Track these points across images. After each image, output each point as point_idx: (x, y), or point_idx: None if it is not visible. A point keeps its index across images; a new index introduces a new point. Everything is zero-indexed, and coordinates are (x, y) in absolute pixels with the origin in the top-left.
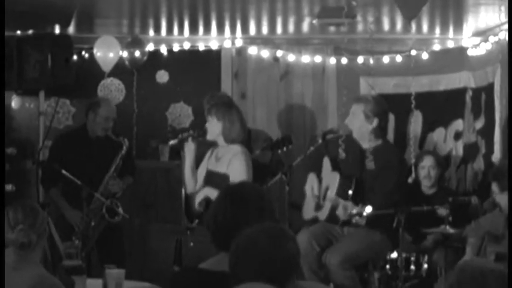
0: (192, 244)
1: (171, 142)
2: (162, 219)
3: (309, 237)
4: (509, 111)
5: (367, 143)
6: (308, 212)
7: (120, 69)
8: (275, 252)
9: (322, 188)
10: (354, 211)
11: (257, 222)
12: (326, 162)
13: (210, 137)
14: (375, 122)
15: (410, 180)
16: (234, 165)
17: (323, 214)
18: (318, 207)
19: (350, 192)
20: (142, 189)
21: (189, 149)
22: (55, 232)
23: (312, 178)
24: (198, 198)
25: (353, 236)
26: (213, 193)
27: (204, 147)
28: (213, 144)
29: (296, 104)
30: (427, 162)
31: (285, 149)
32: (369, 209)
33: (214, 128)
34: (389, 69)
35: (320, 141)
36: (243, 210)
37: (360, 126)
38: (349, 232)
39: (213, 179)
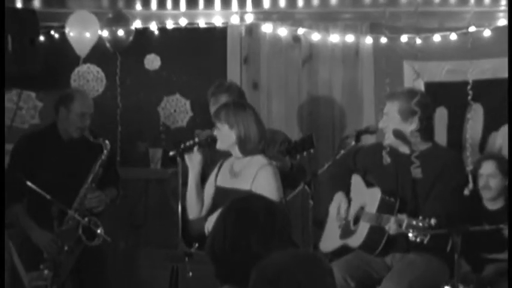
0: (190, 274)
1: (171, 153)
2: (154, 243)
3: (341, 271)
4: (509, 110)
5: (408, 148)
6: (330, 239)
7: (99, 53)
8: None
9: (352, 210)
10: (414, 222)
11: (267, 247)
12: (356, 178)
13: (221, 146)
14: (415, 122)
15: (467, 191)
16: (261, 180)
17: (356, 240)
18: (347, 233)
19: (396, 206)
20: (128, 204)
21: (194, 163)
22: (18, 260)
23: (339, 197)
24: (211, 221)
25: (408, 262)
26: None
27: (214, 158)
28: (224, 155)
29: (322, 96)
30: (486, 169)
31: (305, 153)
32: (434, 222)
33: (226, 137)
34: (441, 52)
35: (353, 142)
36: (249, 230)
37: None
38: (398, 258)
39: (228, 198)
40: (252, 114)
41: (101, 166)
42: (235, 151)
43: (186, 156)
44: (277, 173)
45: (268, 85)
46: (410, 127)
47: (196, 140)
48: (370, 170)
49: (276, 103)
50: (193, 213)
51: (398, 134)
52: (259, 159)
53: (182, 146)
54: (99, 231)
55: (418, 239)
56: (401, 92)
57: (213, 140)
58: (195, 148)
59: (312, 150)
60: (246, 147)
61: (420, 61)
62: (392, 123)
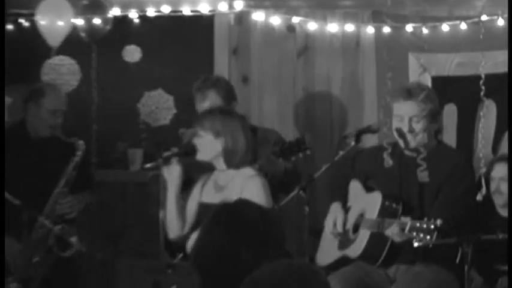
0: (174, 287)
1: (147, 166)
2: (133, 253)
3: (339, 283)
4: (509, 110)
5: (411, 149)
6: (327, 251)
7: (73, 44)
8: None
9: (350, 218)
10: (418, 224)
11: (258, 257)
12: (355, 184)
13: (203, 157)
14: (422, 121)
15: (479, 197)
16: (248, 192)
17: (355, 250)
18: (346, 242)
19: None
20: (105, 210)
21: (173, 176)
22: None
23: (335, 209)
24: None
25: (414, 274)
26: None
27: (194, 171)
28: (206, 168)
29: (319, 92)
30: (498, 172)
31: (300, 154)
32: (439, 223)
33: (209, 146)
34: (450, 43)
35: (353, 142)
36: (238, 239)
37: (422, 129)
38: (403, 270)
39: None
40: (239, 122)
41: (74, 168)
42: (220, 163)
43: (164, 169)
44: (266, 184)
45: (259, 79)
46: (436, 125)
47: (175, 150)
48: (371, 175)
49: (268, 99)
50: (173, 231)
51: (401, 133)
52: (246, 170)
53: (160, 160)
54: (72, 240)
55: (422, 243)
56: (417, 87)
57: (193, 150)
58: (174, 160)
59: (308, 152)
60: (233, 160)
61: (427, 53)
62: (420, 127)
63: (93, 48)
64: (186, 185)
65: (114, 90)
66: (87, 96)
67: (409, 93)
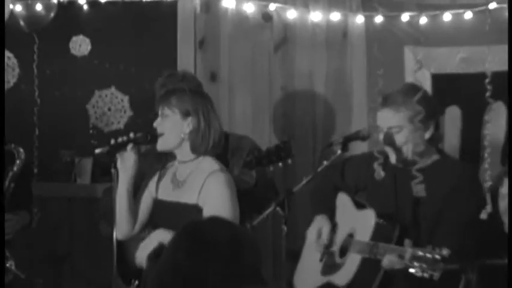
0: None
1: (97, 151)
2: (81, 279)
3: None
4: (509, 110)
5: (403, 160)
6: (308, 274)
7: (10, 34)
8: None
9: (337, 238)
10: (421, 253)
11: (230, 285)
12: (343, 198)
13: (163, 145)
14: (432, 125)
15: (485, 215)
16: (210, 191)
17: (342, 277)
18: (331, 267)
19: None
20: (47, 230)
21: (126, 164)
22: None
23: (320, 220)
24: (146, 248)
25: None
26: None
27: (150, 162)
28: (165, 159)
29: (300, 91)
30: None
31: (280, 164)
32: (446, 253)
33: (174, 128)
34: (453, 35)
35: (339, 151)
36: (207, 263)
37: (406, 141)
38: None
39: (170, 214)
40: (211, 105)
41: (11, 181)
42: (183, 151)
43: (118, 156)
44: (231, 180)
45: (230, 76)
46: (427, 135)
47: (132, 136)
48: (362, 187)
49: (240, 100)
50: (122, 231)
51: (390, 141)
52: (209, 164)
53: (113, 142)
54: (9, 265)
55: (426, 275)
56: (403, 92)
57: (154, 137)
58: (129, 146)
59: (289, 161)
60: (202, 144)
61: (425, 47)
62: (402, 137)
63: (35, 39)
64: (139, 178)
65: (59, 89)
66: (27, 95)
67: (385, 99)
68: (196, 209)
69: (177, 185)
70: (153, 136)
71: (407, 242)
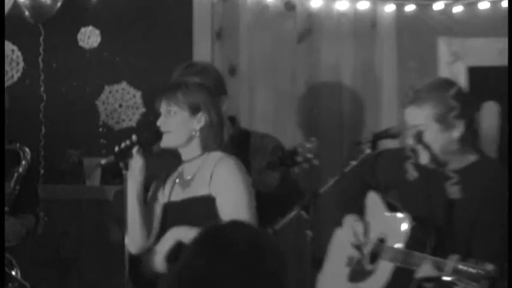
0: None
1: (103, 162)
2: (90, 287)
3: None
4: (509, 110)
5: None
6: (333, 280)
7: (14, 26)
8: None
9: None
10: (462, 266)
11: None
12: (374, 198)
13: (168, 142)
14: (461, 125)
15: None
16: (221, 178)
17: (373, 285)
18: (360, 273)
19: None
20: (54, 236)
21: (134, 170)
22: None
23: (351, 220)
24: (162, 250)
25: None
26: (188, 234)
27: (166, 161)
28: (171, 160)
29: (326, 86)
30: None
31: (305, 165)
32: (493, 268)
33: (182, 126)
34: (490, 25)
35: (368, 150)
36: (227, 269)
37: (433, 140)
38: None
39: (183, 212)
40: (220, 103)
41: (17, 183)
42: (189, 150)
43: (123, 163)
44: (240, 165)
45: (250, 70)
46: (455, 133)
47: (135, 138)
48: (392, 185)
49: (261, 95)
50: (136, 243)
51: (420, 139)
52: (214, 155)
53: (117, 149)
54: (13, 273)
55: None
56: (432, 87)
57: (159, 137)
58: (134, 150)
59: (315, 161)
60: (216, 141)
61: (461, 37)
62: (431, 135)
63: (40, 31)
64: (148, 183)
65: (66, 83)
66: (32, 91)
67: (412, 96)
68: (209, 199)
69: (187, 185)
70: (156, 135)
71: (453, 257)
